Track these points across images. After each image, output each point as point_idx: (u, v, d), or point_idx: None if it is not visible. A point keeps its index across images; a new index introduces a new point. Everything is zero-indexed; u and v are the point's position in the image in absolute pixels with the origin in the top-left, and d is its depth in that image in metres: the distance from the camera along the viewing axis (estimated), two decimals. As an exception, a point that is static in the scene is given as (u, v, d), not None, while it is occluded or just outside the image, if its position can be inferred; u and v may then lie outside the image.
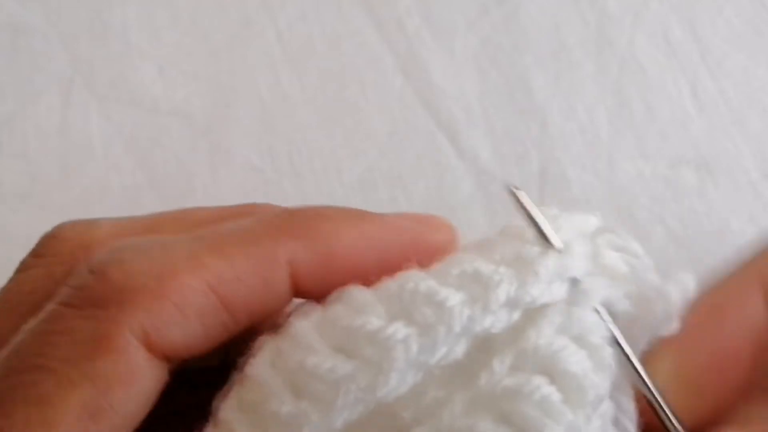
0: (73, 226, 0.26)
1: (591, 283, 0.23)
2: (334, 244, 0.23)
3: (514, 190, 0.23)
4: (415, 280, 0.22)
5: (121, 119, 0.41)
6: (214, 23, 0.43)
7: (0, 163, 0.40)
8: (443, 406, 0.21)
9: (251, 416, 0.21)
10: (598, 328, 0.22)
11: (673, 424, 0.22)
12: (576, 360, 0.21)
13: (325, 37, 0.43)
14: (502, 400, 0.21)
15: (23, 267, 0.26)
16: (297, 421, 0.21)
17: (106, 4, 0.43)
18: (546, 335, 0.22)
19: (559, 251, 0.23)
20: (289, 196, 0.40)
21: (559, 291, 0.22)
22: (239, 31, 0.43)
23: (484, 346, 0.22)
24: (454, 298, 0.21)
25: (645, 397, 0.23)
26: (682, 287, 0.24)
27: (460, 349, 0.22)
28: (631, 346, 0.23)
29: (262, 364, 0.22)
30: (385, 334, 0.21)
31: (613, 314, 0.23)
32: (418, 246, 0.24)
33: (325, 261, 0.23)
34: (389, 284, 0.22)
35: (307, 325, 0.22)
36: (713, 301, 0.25)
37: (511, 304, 0.22)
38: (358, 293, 0.22)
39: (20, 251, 0.38)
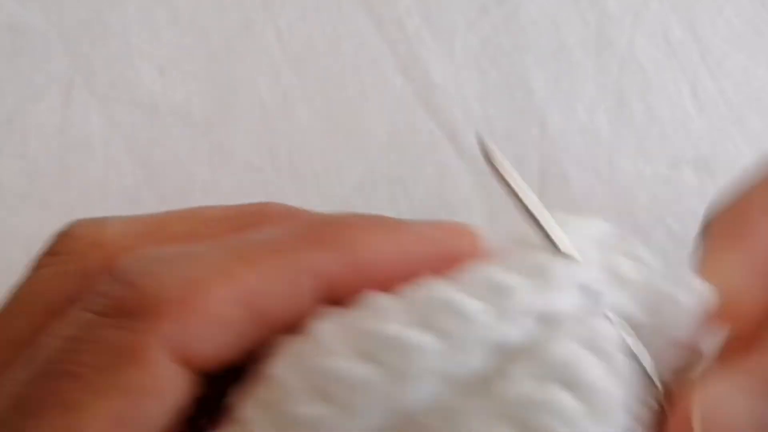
0: (85, 224, 0.26)
1: (604, 292, 0.23)
2: (362, 255, 0.23)
3: (484, 143, 0.23)
4: (435, 287, 0.22)
5: (121, 119, 0.41)
6: (214, 23, 0.43)
7: (0, 163, 0.40)
8: (459, 415, 0.21)
9: (270, 415, 0.21)
10: (613, 337, 0.22)
11: None
12: (592, 369, 0.21)
13: (325, 37, 0.43)
14: (521, 410, 0.20)
15: (37, 265, 0.26)
16: (315, 424, 0.21)
17: (106, 4, 0.43)
18: (562, 344, 0.22)
19: (572, 260, 0.23)
20: (289, 195, 0.40)
21: (573, 299, 0.23)
22: (239, 31, 0.43)
23: (499, 354, 0.22)
24: (474, 306, 0.21)
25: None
26: (695, 294, 0.24)
27: (480, 358, 0.21)
28: (645, 354, 0.23)
29: (282, 363, 0.22)
30: (407, 342, 0.21)
31: (626, 323, 0.23)
32: (445, 255, 0.24)
33: (354, 271, 0.23)
34: (410, 291, 0.22)
35: (329, 327, 0.22)
36: None
37: (530, 312, 0.22)
38: (380, 299, 0.22)
39: (20, 251, 0.38)
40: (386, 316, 0.22)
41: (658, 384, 0.23)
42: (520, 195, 0.23)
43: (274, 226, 0.24)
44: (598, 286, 0.23)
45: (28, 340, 0.22)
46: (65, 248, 0.25)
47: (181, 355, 0.21)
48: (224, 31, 0.43)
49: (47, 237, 0.38)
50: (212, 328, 0.21)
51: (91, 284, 0.22)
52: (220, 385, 0.23)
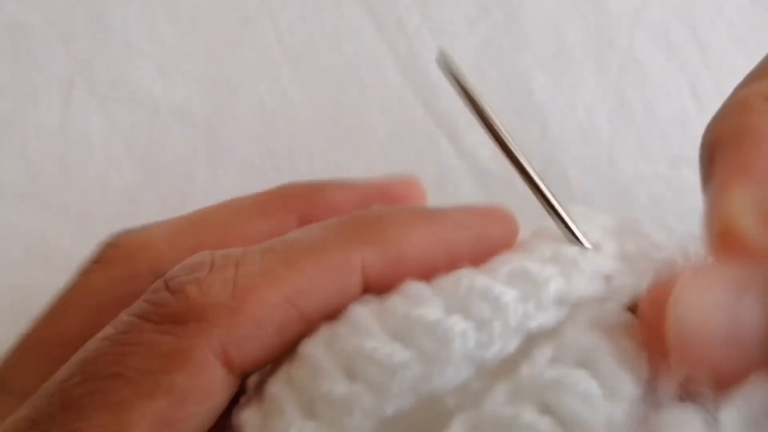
0: (128, 234, 0.27)
1: (622, 281, 0.23)
2: (403, 247, 0.23)
3: (442, 55, 0.24)
4: (470, 276, 0.22)
5: (121, 119, 0.41)
6: (214, 23, 0.43)
7: (0, 163, 0.40)
8: (485, 395, 0.21)
9: (300, 394, 0.21)
10: (632, 325, 0.23)
11: None
12: (614, 355, 0.21)
13: (325, 37, 0.43)
14: (544, 391, 0.21)
15: (84, 272, 0.27)
16: (349, 404, 0.21)
17: (106, 4, 0.43)
18: (583, 329, 0.22)
19: (593, 249, 0.23)
20: (289, 195, 0.40)
21: (595, 288, 0.23)
22: (239, 31, 0.43)
23: (530, 341, 0.22)
24: (509, 294, 0.22)
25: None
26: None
27: (512, 346, 0.22)
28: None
29: (316, 344, 0.22)
30: (443, 327, 0.21)
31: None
32: (483, 240, 0.24)
33: (395, 263, 0.23)
34: (445, 279, 0.23)
35: (365, 311, 0.22)
36: None
37: (560, 300, 0.22)
38: (415, 286, 0.23)
39: (20, 250, 0.38)
40: (424, 302, 0.22)
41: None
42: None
43: (317, 225, 0.24)
44: (616, 276, 0.24)
45: (77, 341, 0.22)
46: (111, 256, 0.26)
47: (228, 359, 0.21)
48: (224, 31, 0.43)
49: (47, 237, 0.39)
50: (260, 331, 0.22)
51: (140, 289, 0.23)
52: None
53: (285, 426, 0.21)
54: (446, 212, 0.25)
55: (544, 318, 0.22)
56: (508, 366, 0.22)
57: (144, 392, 0.20)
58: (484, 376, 0.22)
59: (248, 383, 0.23)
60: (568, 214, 0.24)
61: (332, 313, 0.23)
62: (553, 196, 0.24)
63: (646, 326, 0.21)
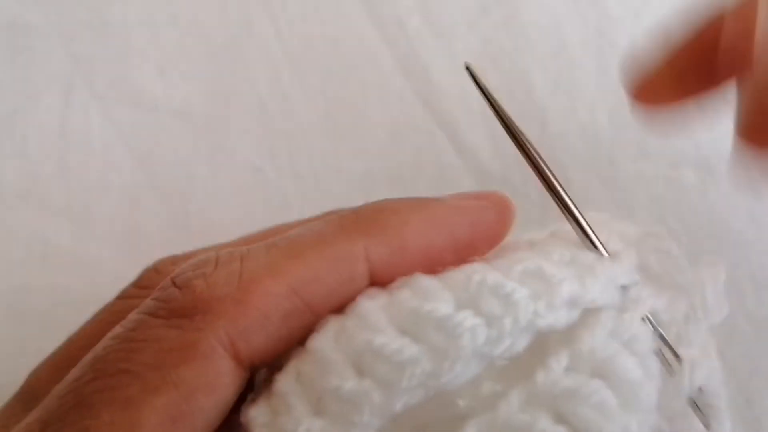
0: (172, 260, 0.27)
1: (640, 292, 0.23)
2: (404, 234, 0.24)
3: (470, 66, 0.24)
4: (481, 271, 0.22)
5: (121, 119, 0.41)
6: (214, 23, 0.43)
7: (0, 163, 0.40)
8: (499, 400, 0.21)
9: (309, 390, 0.21)
10: (647, 337, 0.23)
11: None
12: (630, 366, 0.21)
13: (326, 37, 0.43)
14: (559, 400, 0.21)
15: (124, 295, 0.27)
16: (358, 399, 0.21)
17: (106, 3, 0.43)
18: (599, 339, 0.22)
19: (611, 258, 0.23)
20: (289, 195, 0.40)
21: (610, 297, 0.23)
22: (239, 31, 0.43)
23: (538, 345, 0.22)
24: (520, 292, 0.22)
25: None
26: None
27: (522, 344, 0.22)
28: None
29: (324, 339, 0.22)
30: (453, 322, 0.21)
31: (658, 323, 0.23)
32: (481, 222, 0.24)
33: (398, 251, 0.23)
34: (455, 274, 0.23)
35: (374, 306, 0.22)
36: None
37: (572, 303, 0.22)
38: (424, 280, 0.23)
39: (20, 250, 0.38)
40: (434, 297, 0.22)
41: (686, 386, 0.23)
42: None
43: (319, 221, 0.25)
44: (633, 286, 0.24)
45: None
46: (151, 282, 0.26)
47: (236, 350, 0.22)
48: (224, 31, 0.43)
49: (47, 237, 0.39)
50: (267, 321, 0.22)
51: (153, 293, 0.23)
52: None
53: (293, 423, 0.21)
54: (443, 199, 0.25)
55: (554, 318, 0.22)
56: (520, 369, 0.22)
57: (153, 387, 0.20)
58: (496, 377, 0.22)
59: (257, 380, 0.23)
60: (586, 222, 0.24)
61: (339, 304, 0.23)
62: (573, 202, 0.24)
63: (729, 39, 0.21)
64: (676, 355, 0.23)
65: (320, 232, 0.24)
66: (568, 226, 0.25)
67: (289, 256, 0.23)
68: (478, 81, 0.24)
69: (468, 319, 0.21)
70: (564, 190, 0.24)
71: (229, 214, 0.40)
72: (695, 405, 0.23)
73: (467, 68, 0.25)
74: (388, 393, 0.21)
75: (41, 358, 0.27)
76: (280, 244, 0.23)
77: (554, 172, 0.25)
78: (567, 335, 0.22)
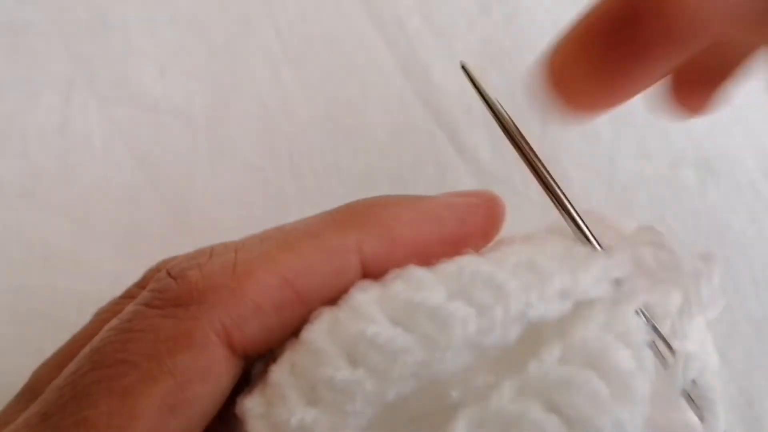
0: (176, 260, 0.27)
1: (633, 286, 0.23)
2: (394, 227, 0.24)
3: (465, 65, 0.24)
4: (474, 263, 0.23)
5: (121, 118, 0.41)
6: (215, 23, 0.43)
7: (0, 162, 0.40)
8: (491, 391, 0.21)
9: (303, 380, 0.22)
10: (641, 329, 0.23)
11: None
12: (622, 357, 0.22)
13: (326, 37, 0.43)
14: (551, 390, 0.21)
15: (127, 295, 0.27)
16: (350, 389, 0.21)
17: (106, 3, 0.43)
18: (592, 330, 0.22)
19: (604, 252, 0.23)
20: (289, 195, 0.40)
21: (603, 290, 0.23)
22: (239, 30, 0.43)
23: (531, 336, 0.22)
24: (512, 282, 0.22)
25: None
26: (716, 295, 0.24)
27: (513, 334, 0.22)
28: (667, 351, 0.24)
29: (318, 330, 0.22)
30: (444, 311, 0.21)
31: (652, 316, 0.23)
32: (471, 218, 0.25)
33: (389, 244, 0.24)
34: (448, 265, 0.23)
35: (367, 297, 0.23)
36: None
37: (564, 295, 0.22)
38: (417, 272, 0.23)
39: (21, 250, 0.38)
40: (426, 287, 0.22)
41: (680, 378, 0.23)
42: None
43: (313, 215, 0.25)
44: (627, 280, 0.24)
45: None
46: None
47: (230, 339, 0.22)
48: (224, 30, 0.43)
49: (47, 237, 0.39)
50: (260, 311, 0.22)
51: (149, 285, 0.23)
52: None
53: (287, 413, 0.21)
54: (434, 196, 0.26)
55: (545, 309, 0.22)
56: (514, 361, 0.22)
57: (150, 376, 0.21)
58: (488, 368, 0.22)
59: (253, 373, 0.23)
60: (580, 216, 0.24)
61: (331, 295, 0.23)
62: (566, 196, 0.24)
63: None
64: (670, 347, 0.23)
65: (313, 225, 0.24)
66: (563, 222, 0.25)
67: (282, 247, 0.23)
68: (473, 80, 0.25)
69: (459, 308, 0.21)
70: (558, 185, 0.25)
71: (229, 214, 0.40)
72: (689, 397, 0.23)
73: (462, 67, 0.25)
74: (380, 382, 0.21)
75: (42, 359, 0.27)
76: (274, 236, 0.24)
77: (549, 170, 0.25)
78: (560, 327, 0.23)
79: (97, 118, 0.41)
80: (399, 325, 0.22)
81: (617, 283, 0.24)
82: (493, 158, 0.41)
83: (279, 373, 0.22)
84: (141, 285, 0.27)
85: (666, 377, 0.23)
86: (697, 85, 0.26)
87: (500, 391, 0.21)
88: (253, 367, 0.24)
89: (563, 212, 0.24)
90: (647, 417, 0.22)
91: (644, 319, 0.23)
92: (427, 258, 0.24)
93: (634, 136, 0.41)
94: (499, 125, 0.25)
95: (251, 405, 0.22)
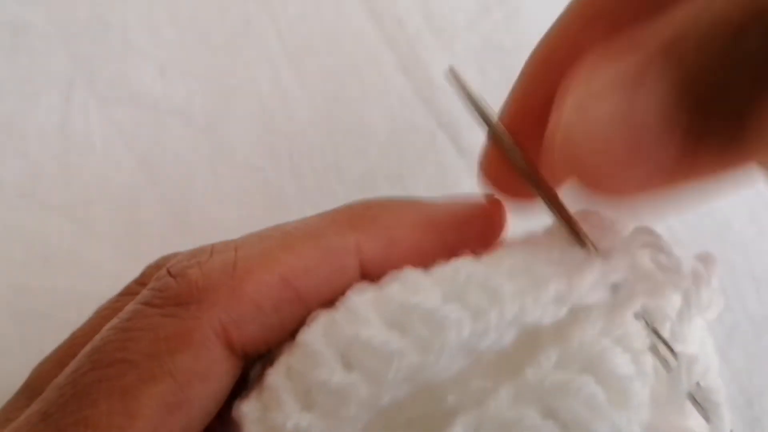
0: (176, 256, 0.27)
1: (631, 289, 0.23)
2: (394, 230, 0.24)
3: (452, 71, 0.24)
4: (469, 266, 0.23)
5: (121, 118, 0.41)
6: (215, 22, 0.43)
7: (0, 162, 0.40)
8: (488, 396, 0.21)
9: (298, 384, 0.22)
10: (639, 333, 0.23)
11: None
12: (620, 362, 0.22)
13: (326, 36, 0.43)
14: (548, 395, 0.21)
15: (126, 292, 0.27)
16: (345, 393, 0.21)
17: (106, 3, 0.43)
18: (590, 335, 0.22)
19: (601, 257, 0.23)
20: (289, 195, 0.40)
21: (601, 295, 0.23)
22: (239, 30, 0.43)
23: (529, 340, 0.22)
24: (507, 287, 0.22)
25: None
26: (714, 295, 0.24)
27: (508, 338, 0.22)
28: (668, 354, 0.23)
29: (314, 332, 0.22)
30: (439, 315, 0.21)
31: (652, 320, 0.23)
32: (470, 224, 0.25)
33: (388, 246, 0.24)
34: (444, 268, 0.23)
35: (362, 300, 0.23)
36: None
37: (559, 300, 0.22)
38: (413, 274, 0.23)
39: (21, 250, 0.38)
40: (421, 290, 0.22)
41: (684, 381, 0.23)
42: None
43: (316, 215, 0.25)
44: (624, 284, 0.23)
45: None
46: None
47: (229, 338, 0.22)
48: (224, 30, 0.43)
49: (47, 236, 0.39)
50: (259, 310, 0.22)
51: (149, 283, 0.23)
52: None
53: (283, 418, 0.21)
54: (435, 200, 0.26)
55: (540, 314, 0.22)
56: (511, 365, 0.22)
57: (149, 376, 0.21)
58: (485, 373, 0.22)
59: (251, 376, 0.23)
60: (575, 221, 0.24)
61: (330, 296, 0.23)
62: (561, 201, 0.24)
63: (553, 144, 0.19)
64: (672, 351, 0.23)
65: (313, 225, 0.24)
66: (561, 226, 0.25)
67: (282, 246, 0.23)
68: (462, 85, 0.25)
69: (454, 312, 0.21)
70: (552, 188, 0.24)
71: (230, 214, 0.40)
72: (694, 400, 0.23)
73: (450, 71, 0.25)
74: (375, 386, 0.21)
75: (42, 359, 0.27)
76: (274, 235, 0.24)
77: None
78: (558, 332, 0.22)
79: (97, 118, 0.41)
80: (394, 328, 0.21)
81: (615, 287, 0.24)
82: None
83: (275, 376, 0.22)
84: (140, 282, 0.27)
85: (669, 381, 0.23)
86: None
87: (497, 397, 0.21)
88: (250, 369, 0.24)
89: (558, 215, 0.24)
90: (648, 422, 0.22)
91: (644, 323, 0.23)
92: (426, 261, 0.24)
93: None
94: (487, 129, 0.25)
95: (247, 409, 0.22)
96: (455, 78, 0.24)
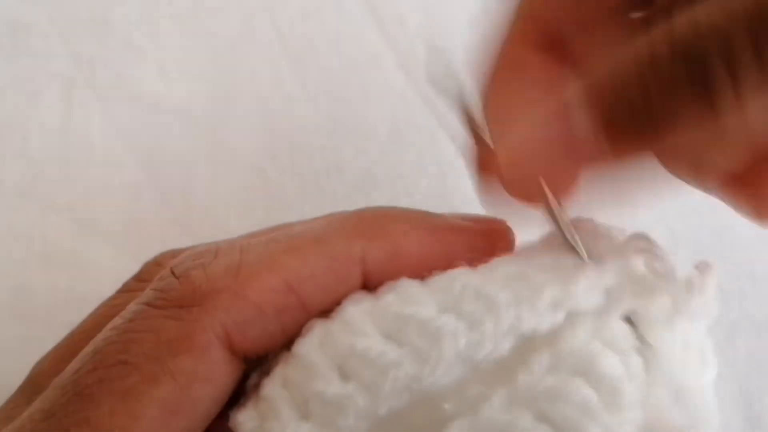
0: (173, 254, 0.27)
1: (623, 293, 0.23)
2: (401, 242, 0.24)
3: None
4: (465, 276, 0.23)
5: (122, 118, 0.41)
6: (216, 22, 0.43)
7: (1, 162, 0.40)
8: (482, 401, 0.21)
9: (295, 394, 0.22)
10: (629, 337, 0.23)
11: None
12: (611, 365, 0.22)
13: (326, 36, 0.43)
14: (541, 399, 0.21)
15: (125, 289, 0.27)
16: (343, 404, 0.21)
17: (107, 2, 0.43)
18: (581, 339, 0.22)
19: (593, 263, 0.23)
20: (290, 195, 0.40)
21: (593, 299, 0.23)
22: (240, 29, 0.43)
23: (521, 345, 0.22)
24: (502, 296, 0.22)
25: None
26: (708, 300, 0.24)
27: (505, 348, 0.22)
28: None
29: (310, 343, 0.22)
30: (435, 325, 0.21)
31: (642, 324, 0.23)
32: (477, 247, 0.25)
33: (393, 257, 0.24)
34: (440, 279, 0.23)
35: (358, 310, 0.22)
36: None
37: (555, 306, 0.22)
38: (409, 285, 0.23)
39: (21, 249, 0.38)
40: (417, 301, 0.22)
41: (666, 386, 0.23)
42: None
43: (321, 219, 0.25)
44: (616, 289, 0.23)
45: None
46: (152, 275, 0.27)
47: (231, 341, 0.22)
48: (225, 30, 0.43)
49: (47, 236, 0.39)
50: (261, 315, 0.22)
51: (153, 283, 0.23)
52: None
53: (280, 428, 0.21)
54: (445, 216, 0.26)
55: (537, 322, 0.22)
56: (506, 372, 0.22)
57: (151, 378, 0.21)
58: (481, 380, 0.22)
59: (247, 385, 0.23)
60: (571, 225, 0.24)
61: (331, 303, 0.23)
62: (558, 206, 0.24)
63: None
64: (654, 351, 0.23)
65: (319, 231, 0.24)
66: (556, 233, 0.24)
67: (287, 251, 0.23)
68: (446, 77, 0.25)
69: (450, 322, 0.21)
70: (550, 193, 0.24)
71: (230, 213, 0.40)
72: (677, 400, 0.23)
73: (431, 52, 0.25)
74: (372, 397, 0.21)
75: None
76: (280, 239, 0.24)
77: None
78: (550, 336, 0.22)
79: (97, 117, 0.41)
80: (390, 339, 0.22)
81: (608, 292, 0.24)
82: (494, 158, 0.41)
83: (271, 386, 0.22)
84: (139, 278, 0.27)
85: (654, 380, 0.23)
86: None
87: (491, 402, 0.21)
88: (247, 378, 0.23)
89: (553, 221, 0.24)
90: (641, 423, 0.22)
91: (630, 324, 0.23)
92: (428, 276, 0.23)
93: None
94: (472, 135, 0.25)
95: (244, 419, 0.22)
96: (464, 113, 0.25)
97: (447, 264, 0.24)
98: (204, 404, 0.21)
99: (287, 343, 0.23)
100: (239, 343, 0.22)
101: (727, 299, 0.37)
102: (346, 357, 0.21)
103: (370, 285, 0.24)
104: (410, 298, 0.22)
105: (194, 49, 0.43)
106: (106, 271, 0.38)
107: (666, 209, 0.40)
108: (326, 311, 0.23)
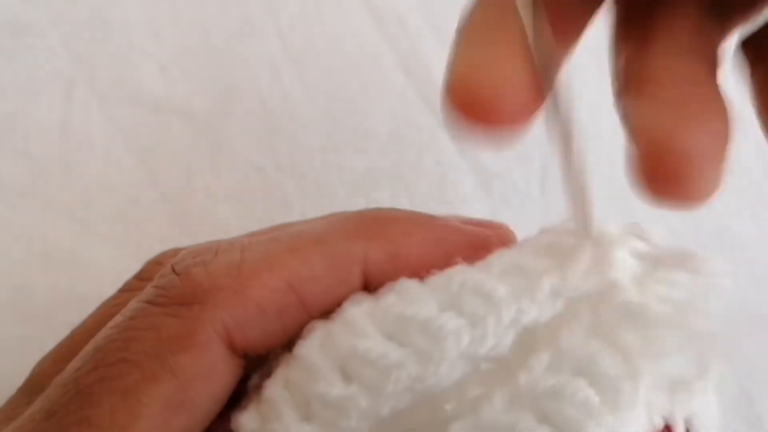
0: (175, 253, 0.27)
1: (619, 282, 0.23)
2: (403, 244, 0.24)
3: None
4: (462, 273, 0.22)
5: (122, 117, 0.41)
6: (216, 21, 0.43)
7: (1, 161, 0.40)
8: (483, 402, 0.21)
9: (297, 396, 0.22)
10: (630, 331, 0.22)
11: None
12: (611, 363, 0.21)
13: (327, 36, 0.43)
14: (543, 400, 0.21)
15: (126, 288, 0.27)
16: (345, 405, 0.21)
17: (107, 2, 0.43)
18: (578, 336, 0.22)
19: (592, 242, 0.23)
20: (290, 194, 0.40)
21: (591, 282, 0.23)
22: (240, 29, 0.43)
23: (522, 339, 0.22)
24: (501, 290, 0.22)
25: None
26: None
27: (507, 342, 0.22)
28: None
29: (311, 345, 0.22)
30: (437, 324, 0.21)
31: (641, 316, 0.23)
32: (479, 251, 0.24)
33: (394, 259, 0.24)
34: (438, 277, 0.23)
35: (359, 311, 0.22)
36: None
37: (555, 294, 0.22)
38: (409, 285, 0.23)
39: (22, 249, 0.38)
40: (417, 300, 0.22)
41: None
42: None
43: (322, 219, 0.25)
44: (612, 277, 0.23)
45: None
46: (153, 274, 0.27)
47: (231, 340, 0.22)
48: (225, 29, 0.43)
49: (47, 236, 0.39)
50: (262, 314, 0.22)
51: (153, 281, 0.23)
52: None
53: (282, 430, 0.21)
54: (447, 218, 0.26)
55: (538, 312, 0.22)
56: (507, 370, 0.22)
57: (152, 376, 0.21)
58: (482, 381, 0.22)
59: (249, 386, 0.23)
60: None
61: (332, 304, 0.23)
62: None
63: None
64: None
65: (320, 231, 0.24)
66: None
67: (289, 251, 0.23)
68: None
69: (451, 320, 0.21)
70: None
71: (230, 213, 0.40)
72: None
73: None
74: (374, 398, 0.21)
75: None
76: (281, 238, 0.24)
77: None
78: (548, 332, 0.22)
79: (98, 117, 0.41)
80: (392, 340, 0.21)
81: (603, 280, 0.23)
82: (495, 157, 0.41)
83: (273, 388, 0.22)
84: (140, 277, 0.27)
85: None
86: None
87: (492, 402, 0.21)
88: (248, 378, 0.23)
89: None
90: (644, 421, 0.22)
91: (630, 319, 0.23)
92: (428, 274, 0.23)
93: (634, 136, 0.41)
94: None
95: (245, 420, 0.22)
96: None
97: (447, 265, 0.24)
98: (205, 402, 0.21)
99: (288, 344, 0.23)
100: (240, 342, 0.22)
101: (727, 299, 0.37)
102: (347, 358, 0.21)
103: (370, 286, 0.24)
104: (411, 298, 0.22)
105: (194, 49, 0.43)
106: (106, 271, 0.38)
107: (666, 209, 0.40)
108: (327, 312, 0.23)
